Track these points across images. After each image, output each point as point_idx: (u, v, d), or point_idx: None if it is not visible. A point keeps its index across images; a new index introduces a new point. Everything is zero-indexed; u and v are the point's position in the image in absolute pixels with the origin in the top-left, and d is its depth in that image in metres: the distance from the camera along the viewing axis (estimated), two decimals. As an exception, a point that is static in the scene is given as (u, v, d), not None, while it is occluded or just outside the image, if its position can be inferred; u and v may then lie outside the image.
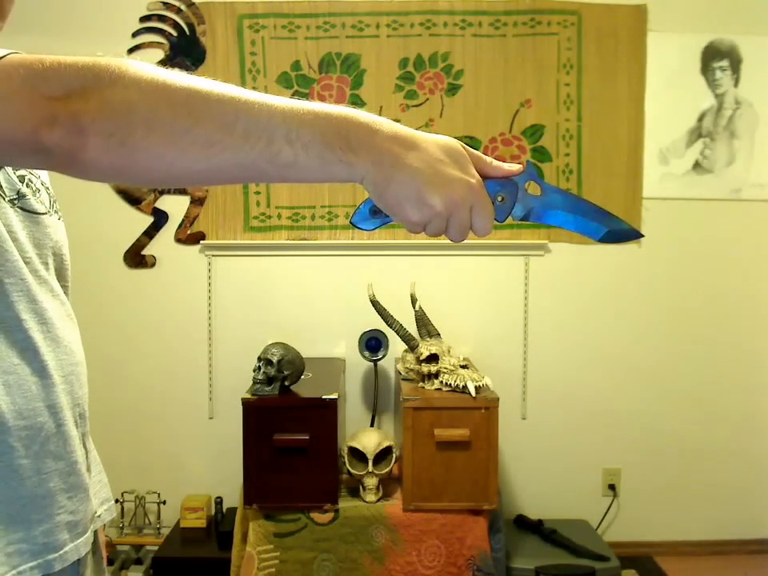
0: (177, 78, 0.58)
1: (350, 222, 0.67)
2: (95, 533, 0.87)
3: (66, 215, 0.88)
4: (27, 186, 0.79)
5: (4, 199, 0.75)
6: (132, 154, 0.56)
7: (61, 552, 0.76)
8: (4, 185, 0.75)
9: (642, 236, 0.70)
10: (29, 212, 0.78)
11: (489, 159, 0.64)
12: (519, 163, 0.65)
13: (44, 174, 0.86)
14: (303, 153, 0.57)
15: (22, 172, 0.79)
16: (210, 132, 0.57)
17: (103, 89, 0.55)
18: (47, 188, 0.85)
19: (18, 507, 0.72)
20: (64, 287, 0.85)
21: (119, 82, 0.56)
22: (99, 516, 0.88)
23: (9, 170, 0.77)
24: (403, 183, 0.58)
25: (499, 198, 0.63)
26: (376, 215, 0.64)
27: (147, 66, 0.58)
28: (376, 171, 0.58)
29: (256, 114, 0.57)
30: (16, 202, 0.76)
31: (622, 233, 0.68)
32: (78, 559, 0.79)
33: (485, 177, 0.63)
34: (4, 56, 0.57)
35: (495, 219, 0.63)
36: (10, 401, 0.72)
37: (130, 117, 0.56)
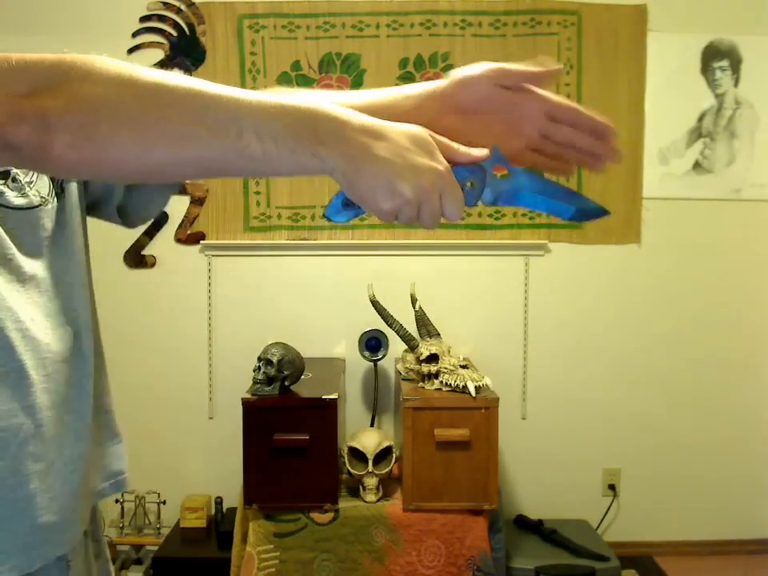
0: (144, 72, 0.58)
1: (324, 216, 0.68)
2: (94, 510, 0.86)
3: (66, 215, 0.87)
4: (12, 181, 0.78)
5: None
6: (100, 148, 0.56)
7: (41, 550, 0.76)
8: None
9: (609, 213, 0.70)
10: (7, 208, 0.77)
11: (456, 145, 0.64)
12: (485, 147, 0.65)
13: None
14: (272, 146, 0.57)
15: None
16: (178, 125, 0.57)
17: (69, 85, 0.55)
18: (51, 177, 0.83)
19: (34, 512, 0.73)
20: (57, 279, 0.82)
21: (86, 78, 0.56)
22: (101, 491, 0.88)
23: None
24: (372, 173, 0.59)
25: (468, 184, 0.64)
26: (348, 207, 0.64)
27: (114, 62, 0.58)
28: (345, 162, 0.59)
29: (224, 108, 0.57)
30: None
31: (590, 211, 0.69)
32: (63, 555, 0.78)
33: (453, 163, 0.63)
34: None
35: (465, 204, 0.64)
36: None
37: (96, 111, 0.56)
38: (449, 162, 0.62)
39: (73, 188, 0.86)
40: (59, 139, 0.55)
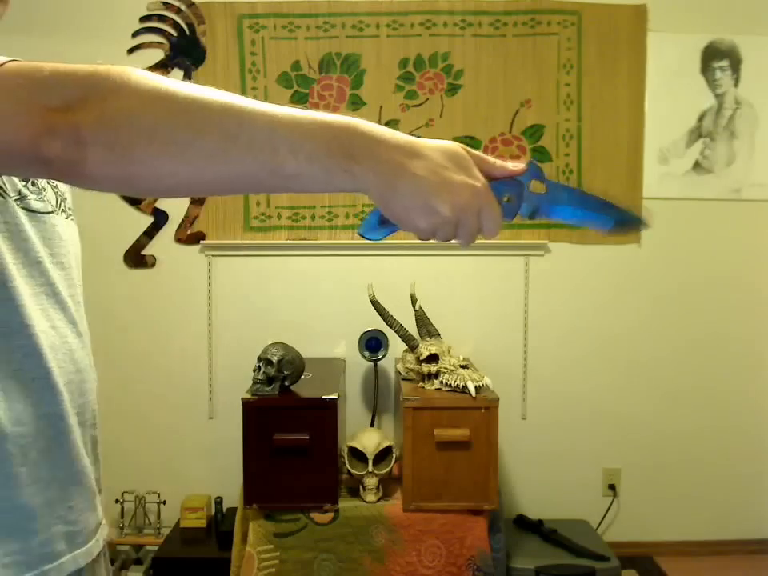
0: (179, 87, 0.57)
1: (359, 234, 0.67)
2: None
3: (67, 215, 0.87)
4: (31, 185, 0.77)
5: (10, 198, 0.73)
6: (133, 165, 0.55)
7: (57, 563, 0.75)
8: (7, 185, 0.74)
9: (647, 224, 0.70)
10: (32, 212, 0.76)
11: (492, 160, 0.63)
12: (521, 162, 0.65)
13: None
14: (307, 164, 0.56)
15: None
16: (213, 143, 0.55)
17: (103, 99, 0.54)
18: (54, 186, 0.83)
19: (15, 517, 0.71)
20: (71, 289, 0.82)
21: (120, 92, 0.55)
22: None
23: None
24: (409, 192, 0.58)
25: (505, 198, 0.63)
26: (384, 225, 0.64)
27: (149, 75, 0.57)
28: (380, 181, 0.58)
29: (259, 125, 0.56)
30: (19, 202, 0.75)
31: (628, 221, 0.68)
32: (78, 570, 0.77)
33: (489, 178, 0.63)
34: (2, 64, 0.56)
35: (504, 219, 0.63)
36: (8, 407, 0.70)
37: (130, 128, 0.54)
38: (485, 177, 0.62)
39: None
40: (92, 155, 0.54)
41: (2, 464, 0.70)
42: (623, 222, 0.67)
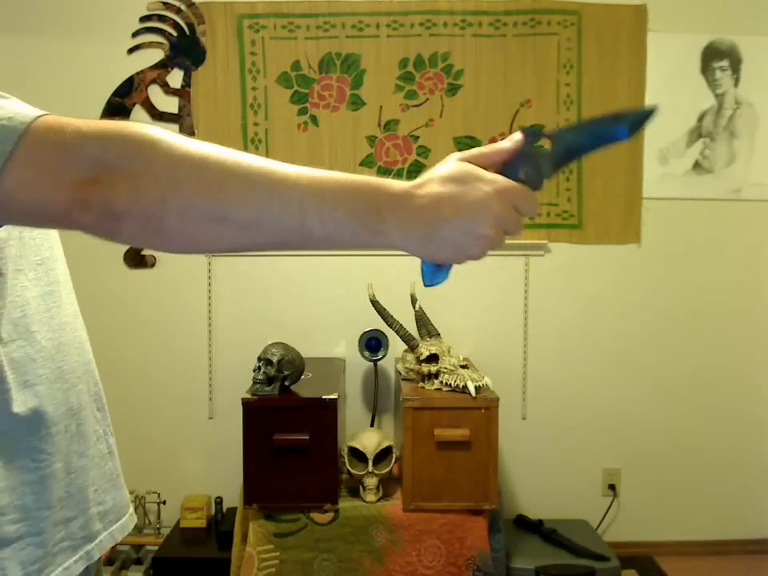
0: (209, 154, 0.57)
1: (425, 287, 0.67)
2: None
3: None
4: None
5: None
6: (167, 236, 0.57)
7: (96, 541, 0.81)
8: None
9: (657, 107, 0.70)
10: None
11: (488, 150, 0.64)
12: (513, 136, 0.65)
13: None
14: (335, 229, 0.58)
15: None
16: (245, 219, 0.57)
17: (133, 173, 0.55)
18: None
19: (57, 509, 0.75)
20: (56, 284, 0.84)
21: (150, 166, 0.55)
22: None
23: None
24: (449, 236, 0.59)
25: (523, 173, 0.63)
26: (441, 266, 0.65)
27: (176, 141, 0.57)
28: (417, 238, 0.59)
29: (288, 197, 0.57)
30: None
31: (640, 118, 0.67)
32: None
33: (498, 164, 0.63)
34: (26, 129, 0.56)
35: (535, 191, 0.63)
36: (44, 409, 0.74)
37: (163, 205, 0.56)
38: (494, 165, 0.62)
39: None
40: (126, 228, 0.56)
41: (44, 464, 0.74)
42: (635, 123, 0.67)
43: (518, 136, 0.64)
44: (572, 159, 0.66)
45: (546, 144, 0.65)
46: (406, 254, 0.62)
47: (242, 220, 0.57)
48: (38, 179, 0.55)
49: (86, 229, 0.57)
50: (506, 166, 0.63)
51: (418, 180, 0.60)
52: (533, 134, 0.64)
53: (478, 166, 0.62)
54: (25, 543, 0.71)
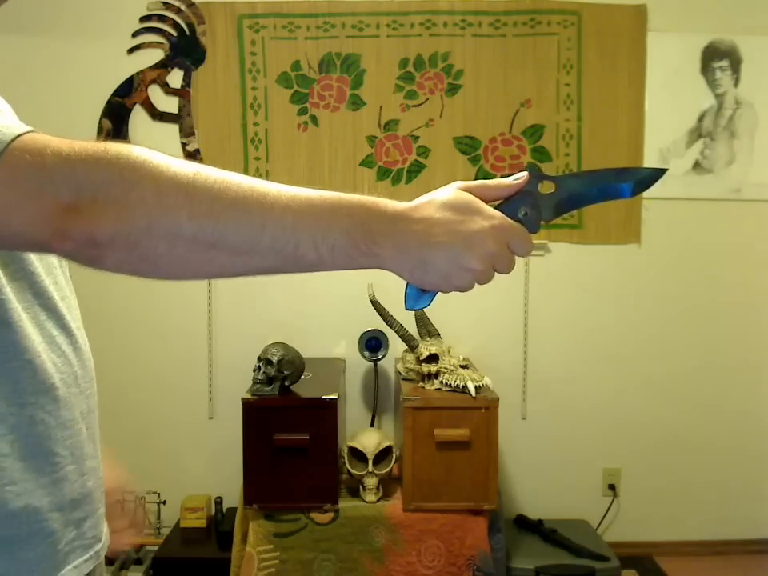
0: (198, 179, 0.55)
1: (407, 309, 0.66)
2: None
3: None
4: None
5: None
6: (155, 264, 0.55)
7: (103, 541, 0.81)
8: None
9: (666, 169, 0.69)
10: None
11: (493, 183, 0.63)
12: (521, 170, 0.65)
13: None
14: (328, 253, 0.57)
15: None
16: (236, 245, 0.55)
17: (118, 200, 0.52)
18: None
19: (69, 511, 0.76)
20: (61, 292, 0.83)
21: (136, 191, 0.52)
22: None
23: None
24: (439, 262, 0.58)
25: (522, 213, 0.63)
26: (425, 291, 0.64)
27: (163, 164, 0.54)
28: (406, 260, 0.58)
29: (282, 223, 0.56)
30: None
31: (649, 178, 0.67)
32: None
33: (499, 200, 0.62)
34: (4, 149, 0.53)
35: (530, 233, 0.63)
36: (58, 414, 0.74)
37: (150, 232, 0.53)
38: (494, 200, 0.62)
39: None
40: (110, 257, 0.54)
41: (57, 467, 0.74)
42: (642, 183, 0.67)
43: (522, 175, 0.64)
44: (574, 207, 0.66)
45: (549, 187, 0.64)
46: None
47: (234, 246, 0.55)
48: (16, 204, 0.52)
49: (67, 256, 0.55)
50: (505, 202, 0.63)
51: (415, 202, 0.60)
52: (538, 175, 0.64)
53: (479, 198, 0.61)
54: (37, 542, 0.72)
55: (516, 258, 0.62)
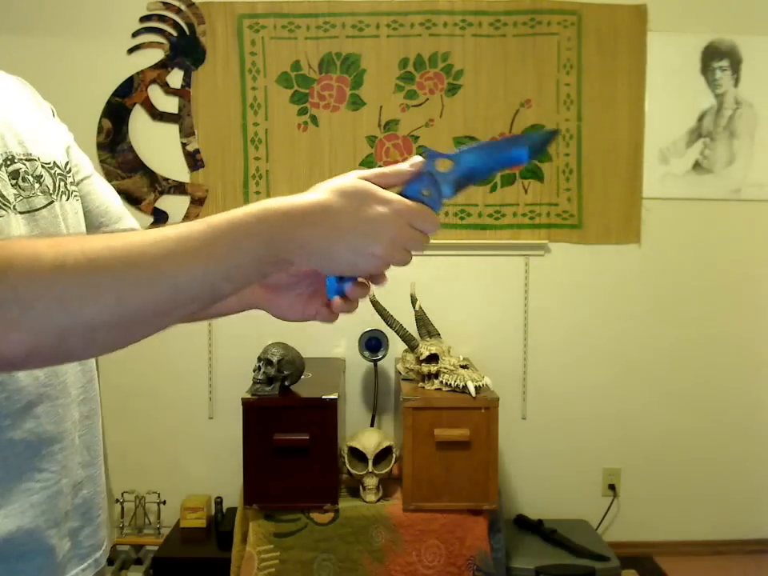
0: (96, 265, 0.51)
1: (329, 300, 0.69)
2: None
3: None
4: (22, 181, 0.74)
5: (10, 208, 0.71)
6: (83, 354, 0.55)
7: (104, 548, 0.81)
8: (2, 191, 0.71)
9: (558, 131, 0.69)
10: (27, 213, 0.74)
11: (389, 170, 0.63)
12: (417, 155, 0.65)
13: (48, 150, 0.79)
14: (243, 279, 0.57)
15: (16, 166, 0.74)
16: (156, 313, 0.54)
17: (19, 321, 0.49)
18: (50, 168, 0.79)
19: (64, 523, 0.75)
20: None
21: (35, 306, 0.49)
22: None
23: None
24: (344, 252, 0.59)
25: (425, 193, 0.63)
26: (342, 280, 0.66)
27: (59, 262, 0.50)
28: (313, 256, 0.59)
29: (192, 275, 0.54)
30: (17, 207, 0.72)
31: (540, 141, 0.67)
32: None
33: (397, 185, 0.63)
34: None
35: (435, 211, 0.64)
36: (42, 429, 0.72)
37: (64, 340, 0.51)
38: (394, 186, 0.62)
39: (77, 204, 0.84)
40: (33, 365, 0.54)
41: (50, 482, 0.73)
42: (535, 146, 0.67)
43: (417, 158, 0.64)
44: (475, 180, 0.67)
45: (447, 165, 0.65)
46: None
47: (154, 314, 0.54)
48: None
49: None
50: (407, 185, 0.63)
51: (311, 196, 0.59)
52: (433, 155, 0.65)
53: (378, 185, 0.61)
54: (33, 556, 0.71)
55: (421, 240, 0.62)
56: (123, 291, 0.52)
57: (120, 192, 2.80)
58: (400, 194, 0.63)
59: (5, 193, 0.72)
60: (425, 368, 2.20)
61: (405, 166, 0.64)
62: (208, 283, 0.55)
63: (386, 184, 0.62)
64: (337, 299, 0.67)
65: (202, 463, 2.74)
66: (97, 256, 0.51)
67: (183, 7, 2.63)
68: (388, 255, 0.60)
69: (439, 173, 0.64)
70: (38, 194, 0.76)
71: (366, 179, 0.61)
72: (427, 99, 2.67)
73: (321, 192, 0.59)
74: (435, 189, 0.64)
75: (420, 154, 0.65)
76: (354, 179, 0.60)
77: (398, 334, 2.28)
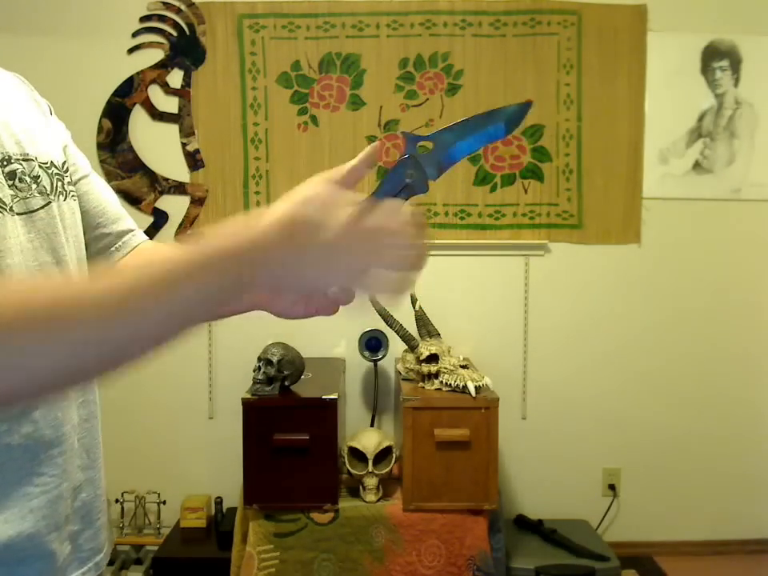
0: (80, 304, 0.50)
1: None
2: None
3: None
4: (19, 182, 0.72)
5: (6, 210, 0.70)
6: (75, 388, 0.56)
7: (105, 551, 0.81)
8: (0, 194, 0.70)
9: (530, 102, 0.70)
10: (25, 214, 0.72)
11: (355, 161, 0.61)
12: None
13: (45, 149, 0.78)
14: (215, 312, 0.57)
15: (13, 166, 0.72)
16: (141, 350, 0.55)
17: None
18: (47, 168, 0.77)
19: (64, 525, 0.75)
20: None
21: (13, 356, 0.48)
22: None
23: None
24: (308, 284, 0.58)
25: (409, 175, 0.63)
26: None
27: (44, 308, 0.50)
28: (281, 282, 0.58)
29: (170, 312, 0.54)
30: (14, 208, 0.71)
31: (515, 115, 0.67)
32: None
33: (364, 176, 0.62)
34: None
35: (420, 194, 0.63)
36: (41, 434, 0.72)
37: (54, 383, 0.52)
38: (364, 175, 0.62)
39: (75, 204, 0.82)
40: (18, 406, 0.54)
41: (49, 486, 0.73)
42: (511, 120, 0.67)
43: (374, 144, 0.64)
44: (456, 159, 0.66)
45: (427, 147, 0.65)
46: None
47: (139, 352, 0.54)
48: None
49: None
50: (390, 171, 0.63)
51: (268, 229, 0.55)
52: (413, 138, 0.65)
53: (350, 180, 0.59)
54: (33, 561, 0.71)
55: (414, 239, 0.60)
56: (106, 335, 0.51)
57: (120, 192, 2.81)
58: (384, 179, 0.62)
59: (1, 194, 0.70)
60: (425, 368, 2.20)
61: (369, 151, 0.62)
62: (187, 318, 0.56)
63: (358, 175, 0.61)
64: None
65: (202, 463, 2.74)
66: (69, 302, 0.50)
67: (183, 7, 2.63)
68: (366, 285, 0.57)
69: (421, 155, 0.64)
70: (36, 194, 0.74)
71: (335, 181, 0.59)
72: (427, 99, 2.67)
73: (278, 232, 0.55)
74: (419, 171, 0.64)
75: (401, 134, 0.65)
76: (304, 202, 0.56)
77: (397, 334, 2.28)
